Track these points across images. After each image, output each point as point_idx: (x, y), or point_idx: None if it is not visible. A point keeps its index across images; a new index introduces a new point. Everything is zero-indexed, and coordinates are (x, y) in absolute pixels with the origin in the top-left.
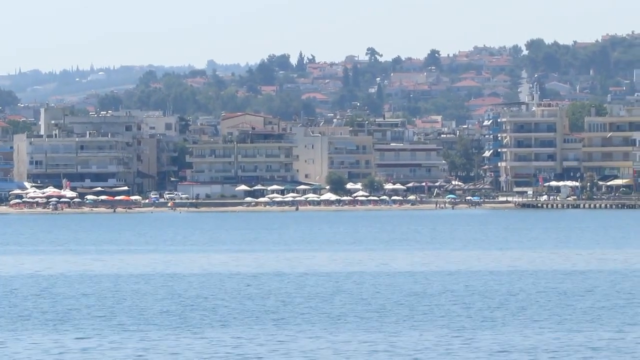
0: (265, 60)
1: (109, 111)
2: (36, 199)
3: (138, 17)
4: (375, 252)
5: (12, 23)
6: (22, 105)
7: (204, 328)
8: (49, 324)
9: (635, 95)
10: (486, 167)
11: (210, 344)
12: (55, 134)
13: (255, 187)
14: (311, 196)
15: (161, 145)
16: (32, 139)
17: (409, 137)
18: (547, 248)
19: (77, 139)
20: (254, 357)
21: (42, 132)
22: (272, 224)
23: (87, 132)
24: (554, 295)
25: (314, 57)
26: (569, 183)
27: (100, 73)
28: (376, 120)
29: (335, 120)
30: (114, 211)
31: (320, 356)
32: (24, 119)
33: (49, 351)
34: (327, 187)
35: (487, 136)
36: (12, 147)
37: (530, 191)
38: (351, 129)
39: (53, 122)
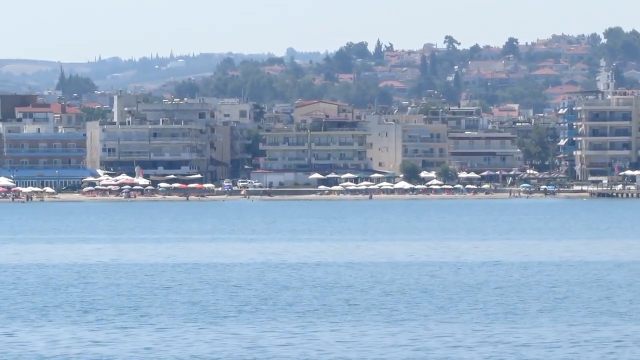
0: (343, 48)
1: (185, 99)
2: (109, 187)
3: (219, 5)
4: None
5: (92, 11)
6: (99, 92)
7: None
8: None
9: None
10: (561, 155)
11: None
12: (129, 121)
13: (329, 176)
14: (385, 184)
15: (235, 133)
16: (105, 126)
17: (483, 126)
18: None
19: (150, 126)
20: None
21: (115, 120)
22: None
23: (160, 120)
24: None
25: (391, 45)
26: None
27: (180, 60)
28: (450, 108)
29: (409, 108)
30: (187, 199)
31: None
32: (99, 106)
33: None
34: (401, 175)
35: (562, 125)
36: (85, 135)
37: (605, 180)
38: (425, 117)
39: (126, 109)
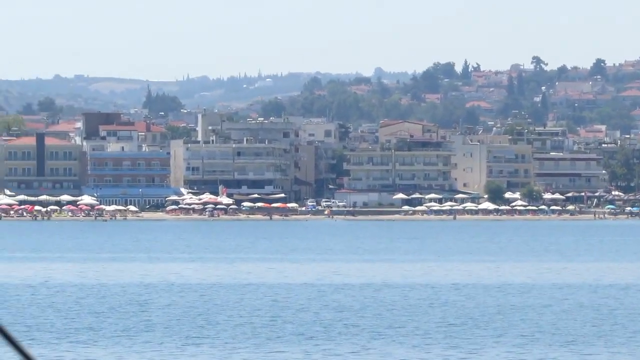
0: (430, 69)
1: (271, 118)
2: (192, 206)
3: (308, 25)
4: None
5: (182, 31)
6: (185, 111)
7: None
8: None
9: None
10: None
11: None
12: (213, 140)
13: (413, 196)
14: (469, 205)
15: (319, 153)
16: (189, 145)
17: (569, 147)
18: None
19: (234, 145)
20: None
21: (199, 138)
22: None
23: (245, 139)
24: None
25: (479, 65)
26: None
27: (268, 80)
28: (536, 129)
29: (494, 128)
30: (271, 218)
31: None
32: (184, 124)
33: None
34: (485, 196)
35: None
36: (169, 153)
37: None
38: (510, 137)
39: (210, 128)
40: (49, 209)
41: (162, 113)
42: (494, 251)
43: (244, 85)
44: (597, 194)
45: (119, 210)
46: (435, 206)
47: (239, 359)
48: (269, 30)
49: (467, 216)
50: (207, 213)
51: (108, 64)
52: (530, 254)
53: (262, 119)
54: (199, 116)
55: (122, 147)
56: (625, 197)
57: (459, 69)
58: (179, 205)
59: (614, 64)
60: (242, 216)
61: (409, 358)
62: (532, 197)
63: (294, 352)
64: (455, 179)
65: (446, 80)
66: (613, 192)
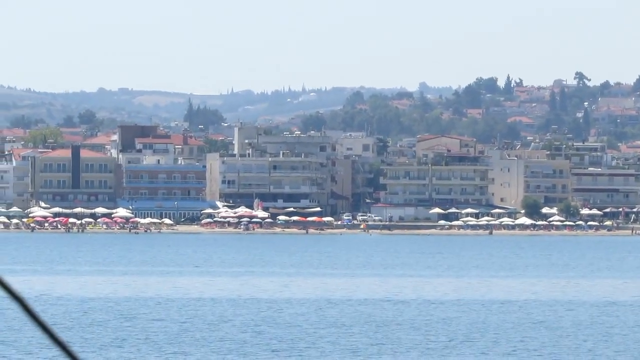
0: (473, 84)
1: (311, 132)
2: (228, 219)
3: (354, 40)
4: None
5: (227, 45)
6: (226, 124)
7: None
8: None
9: None
10: None
11: None
12: (249, 154)
13: (449, 210)
14: (506, 220)
15: (356, 167)
16: (225, 158)
17: (607, 162)
18: None
19: (270, 159)
20: None
21: (235, 152)
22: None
23: (281, 152)
24: None
25: (521, 80)
26: None
27: (312, 94)
28: (574, 144)
29: (533, 143)
30: (306, 232)
31: None
32: (222, 138)
33: None
34: (522, 211)
35: None
36: (204, 166)
37: None
38: (548, 152)
39: (247, 141)
40: (83, 221)
41: (202, 126)
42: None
43: (288, 99)
44: (635, 209)
45: (154, 223)
46: (472, 221)
47: None
48: (313, 45)
49: (503, 231)
50: (242, 226)
51: (152, 77)
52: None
53: (299, 132)
54: (236, 129)
55: (158, 160)
56: None
57: (501, 84)
58: (214, 219)
59: None
60: (278, 230)
61: None
62: (569, 212)
63: None
64: (492, 194)
65: (488, 95)
66: None
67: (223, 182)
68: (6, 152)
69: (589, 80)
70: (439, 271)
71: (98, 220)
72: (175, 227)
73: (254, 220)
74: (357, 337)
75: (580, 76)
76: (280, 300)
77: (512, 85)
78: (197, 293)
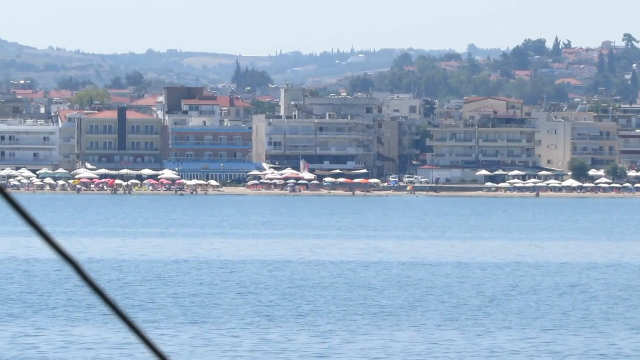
0: (521, 45)
1: (357, 93)
2: (274, 181)
3: (402, 2)
4: None
5: (275, 5)
6: (273, 86)
7: None
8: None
9: None
10: None
11: None
12: (295, 115)
13: (496, 172)
14: (552, 182)
15: (402, 128)
16: (271, 120)
17: None
18: None
19: (315, 120)
20: None
21: (281, 113)
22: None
23: (327, 114)
24: None
25: (569, 42)
26: None
27: (360, 56)
28: (621, 106)
29: (580, 105)
30: (353, 194)
31: None
32: (269, 99)
33: None
34: (569, 173)
35: None
36: (251, 128)
37: None
38: (595, 114)
39: (293, 103)
40: (129, 182)
41: (249, 88)
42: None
43: (336, 61)
44: None
45: (200, 184)
46: (519, 183)
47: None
48: (363, 6)
49: (550, 193)
50: (288, 188)
51: (201, 39)
52: None
53: (345, 94)
54: (282, 91)
55: (204, 122)
56: None
57: (549, 45)
58: (260, 180)
59: None
60: (324, 191)
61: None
62: (616, 174)
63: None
64: (539, 156)
65: (536, 57)
66: None
67: (269, 143)
68: (52, 114)
69: (638, 42)
70: (489, 233)
71: (144, 182)
72: (221, 189)
73: (300, 182)
74: (390, 299)
75: (628, 38)
76: (314, 263)
77: (560, 47)
78: (244, 255)
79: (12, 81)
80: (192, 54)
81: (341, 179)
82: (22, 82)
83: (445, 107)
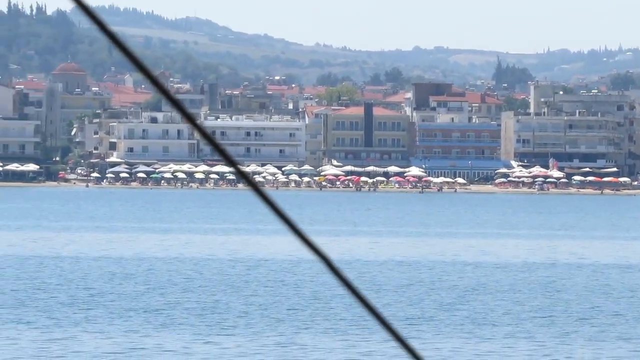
0: None
1: (609, 92)
2: (522, 179)
3: None
4: None
5: (544, 3)
6: (531, 83)
7: None
8: None
9: None
10: None
11: None
12: (544, 112)
13: None
14: None
15: None
16: (520, 117)
17: None
18: None
19: (565, 118)
20: None
21: (531, 110)
22: None
23: (577, 111)
24: None
25: None
26: None
27: (628, 53)
28: None
29: None
30: (602, 193)
31: None
32: (524, 97)
33: None
34: None
35: None
36: (499, 125)
37: None
38: None
39: (543, 100)
40: (375, 180)
41: (505, 85)
42: None
43: (604, 59)
44: None
45: (447, 182)
46: None
47: None
48: (629, 3)
49: None
50: (536, 186)
51: (468, 36)
52: None
53: (596, 91)
54: (532, 88)
55: (452, 119)
56: None
57: None
58: (508, 178)
59: None
60: (573, 190)
61: None
62: None
63: None
64: None
65: None
66: None
67: (518, 141)
68: (300, 110)
69: None
70: None
71: (390, 179)
72: (468, 187)
73: (548, 180)
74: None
75: None
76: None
77: None
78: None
79: (267, 77)
80: (459, 51)
81: (590, 178)
82: (277, 77)
83: None
